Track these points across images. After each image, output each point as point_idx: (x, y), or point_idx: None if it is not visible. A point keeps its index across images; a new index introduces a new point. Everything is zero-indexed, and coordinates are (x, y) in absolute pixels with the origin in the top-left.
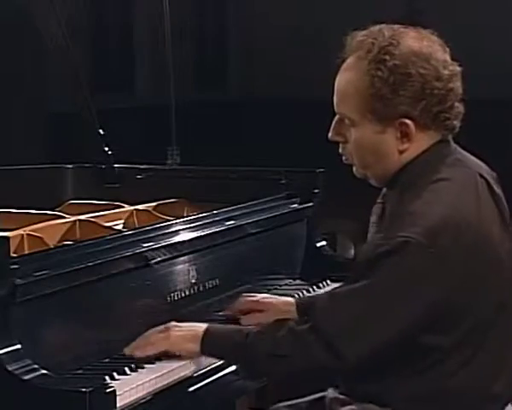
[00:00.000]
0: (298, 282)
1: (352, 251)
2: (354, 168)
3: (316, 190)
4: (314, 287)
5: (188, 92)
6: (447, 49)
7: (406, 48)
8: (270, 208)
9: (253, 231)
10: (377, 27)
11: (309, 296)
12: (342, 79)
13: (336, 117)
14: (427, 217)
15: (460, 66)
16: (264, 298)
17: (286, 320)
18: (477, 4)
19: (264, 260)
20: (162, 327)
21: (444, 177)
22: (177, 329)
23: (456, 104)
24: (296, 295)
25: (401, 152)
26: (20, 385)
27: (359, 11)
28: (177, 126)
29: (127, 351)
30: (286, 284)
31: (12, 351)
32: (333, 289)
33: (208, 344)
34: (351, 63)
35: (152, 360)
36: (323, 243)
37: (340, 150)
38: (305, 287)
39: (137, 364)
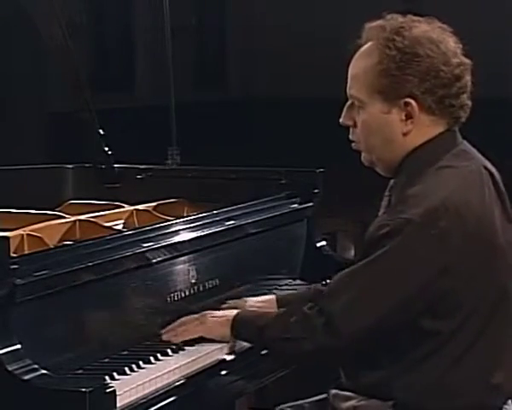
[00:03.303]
0: (298, 282)
1: (352, 251)
2: (362, 155)
3: (316, 190)
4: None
5: (188, 92)
6: (460, 45)
7: (417, 32)
8: (270, 208)
9: (253, 231)
10: (392, 15)
11: (288, 292)
12: (355, 63)
13: (348, 102)
14: (429, 199)
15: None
16: (245, 300)
17: (302, 305)
18: (476, 4)
19: (264, 260)
20: (197, 315)
21: (449, 164)
22: (210, 315)
23: (463, 96)
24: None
25: (405, 134)
26: (20, 385)
27: (358, 11)
28: (177, 126)
29: (165, 337)
30: (286, 284)
31: (12, 351)
32: (340, 272)
33: (237, 329)
34: (364, 49)
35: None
36: (323, 243)
37: (350, 136)
38: (305, 287)
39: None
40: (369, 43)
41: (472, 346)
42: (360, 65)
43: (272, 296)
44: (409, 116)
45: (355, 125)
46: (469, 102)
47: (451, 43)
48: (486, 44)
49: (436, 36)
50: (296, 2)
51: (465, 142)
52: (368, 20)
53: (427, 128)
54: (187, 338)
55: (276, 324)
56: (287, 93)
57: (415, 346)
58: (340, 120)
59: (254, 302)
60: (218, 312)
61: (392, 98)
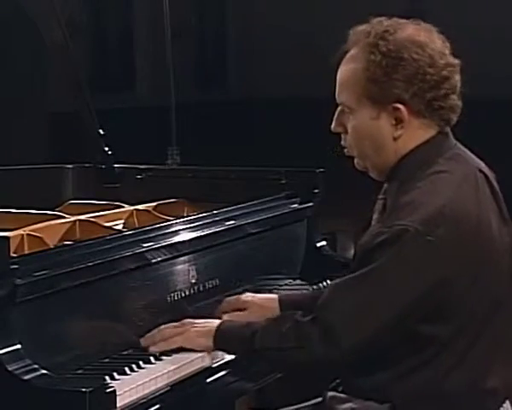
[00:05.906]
0: (298, 282)
1: (352, 251)
2: (355, 160)
3: (316, 190)
4: (314, 287)
5: (188, 92)
6: (447, 45)
7: (402, 35)
8: (270, 208)
9: (253, 231)
10: (378, 19)
11: (291, 292)
12: (343, 70)
13: (338, 108)
14: (426, 206)
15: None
16: (246, 297)
17: (292, 313)
18: (478, 4)
19: (264, 260)
20: (178, 323)
21: (443, 169)
22: (191, 325)
23: (453, 96)
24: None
25: (396, 139)
26: (20, 385)
27: (359, 11)
28: (177, 126)
29: (143, 343)
30: (286, 284)
31: (12, 351)
32: (335, 280)
33: (220, 340)
34: (350, 54)
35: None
36: (323, 243)
37: (342, 142)
38: (305, 287)
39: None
40: (355, 49)
41: (469, 351)
42: (347, 72)
43: (275, 296)
44: (399, 121)
45: (346, 132)
46: (460, 103)
47: (438, 45)
48: (492, 43)
49: (422, 38)
50: (296, 3)
51: (458, 144)
52: (368, 21)
53: (418, 131)
54: (166, 349)
55: (267, 332)
56: (287, 93)
57: (412, 352)
58: (332, 127)
59: (256, 299)
60: (198, 320)
61: (380, 104)
